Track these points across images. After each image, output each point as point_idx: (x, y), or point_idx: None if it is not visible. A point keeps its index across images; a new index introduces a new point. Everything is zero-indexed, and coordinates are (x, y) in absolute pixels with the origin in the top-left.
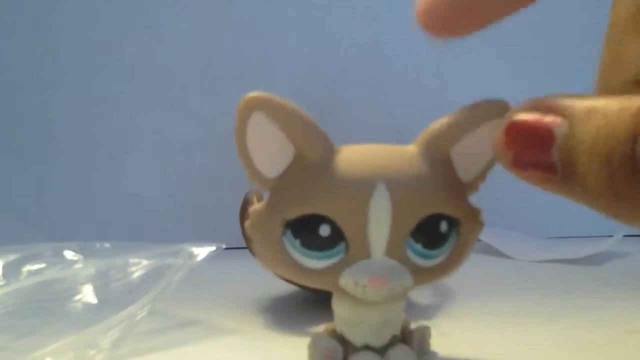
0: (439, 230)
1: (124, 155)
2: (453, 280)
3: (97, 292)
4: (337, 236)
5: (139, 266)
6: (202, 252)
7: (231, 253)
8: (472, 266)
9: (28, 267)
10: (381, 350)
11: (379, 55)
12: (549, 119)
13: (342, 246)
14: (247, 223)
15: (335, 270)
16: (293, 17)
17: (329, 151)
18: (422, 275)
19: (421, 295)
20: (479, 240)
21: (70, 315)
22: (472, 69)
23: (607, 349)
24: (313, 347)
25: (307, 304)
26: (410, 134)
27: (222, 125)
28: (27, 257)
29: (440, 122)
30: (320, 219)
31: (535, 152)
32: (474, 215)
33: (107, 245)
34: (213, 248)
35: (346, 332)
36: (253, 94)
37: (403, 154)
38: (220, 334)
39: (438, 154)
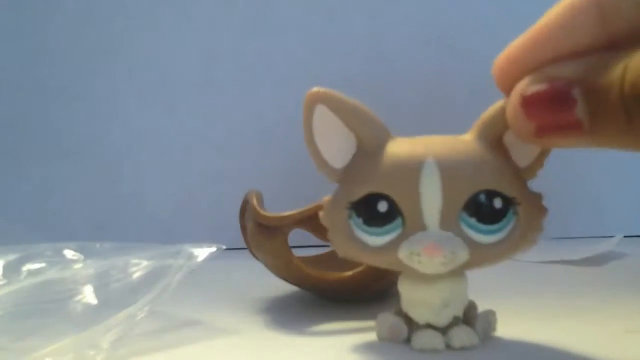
0: (493, 206)
1: (125, 155)
2: None
3: (98, 292)
4: (395, 212)
5: (139, 267)
6: (202, 253)
7: (231, 254)
8: None
9: (28, 267)
10: (444, 330)
11: (379, 55)
12: (562, 83)
13: (399, 221)
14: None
15: (395, 245)
16: (293, 17)
17: (385, 137)
18: (480, 251)
19: None
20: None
21: (71, 316)
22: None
23: (607, 349)
24: (379, 325)
25: (307, 304)
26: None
27: (222, 125)
28: (27, 257)
29: (493, 108)
30: (378, 197)
31: (560, 116)
32: (534, 198)
33: (107, 245)
34: (213, 249)
35: (410, 312)
36: (315, 89)
37: (457, 139)
38: (220, 334)
39: (491, 138)
